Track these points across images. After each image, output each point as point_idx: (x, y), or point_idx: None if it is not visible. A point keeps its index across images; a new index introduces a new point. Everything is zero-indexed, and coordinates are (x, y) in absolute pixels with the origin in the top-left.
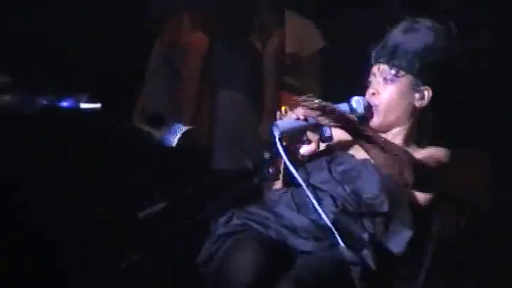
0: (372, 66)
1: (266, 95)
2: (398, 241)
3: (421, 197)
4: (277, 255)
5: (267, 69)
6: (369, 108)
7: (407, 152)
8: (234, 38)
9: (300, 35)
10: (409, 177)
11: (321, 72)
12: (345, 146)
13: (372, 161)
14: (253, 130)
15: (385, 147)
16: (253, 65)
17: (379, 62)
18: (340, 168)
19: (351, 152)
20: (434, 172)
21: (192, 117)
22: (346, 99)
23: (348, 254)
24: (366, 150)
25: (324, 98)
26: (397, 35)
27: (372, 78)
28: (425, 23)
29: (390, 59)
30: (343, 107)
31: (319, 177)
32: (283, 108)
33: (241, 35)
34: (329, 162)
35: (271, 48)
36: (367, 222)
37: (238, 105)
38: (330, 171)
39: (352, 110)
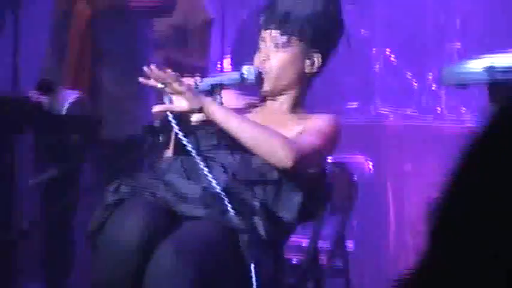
0: (261, 31)
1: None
2: (290, 208)
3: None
4: (165, 221)
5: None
6: (260, 76)
7: (277, 132)
8: (116, 9)
9: (184, 7)
10: (286, 159)
11: (207, 45)
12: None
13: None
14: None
15: (249, 126)
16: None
17: (270, 28)
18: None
19: None
20: (318, 148)
21: (71, 85)
22: (236, 67)
23: (235, 221)
24: (231, 134)
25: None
26: (286, 1)
27: (261, 44)
28: None
29: (282, 25)
30: (233, 75)
31: (209, 145)
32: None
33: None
34: (219, 130)
35: None
36: (258, 190)
37: (123, 76)
38: (219, 139)
39: (243, 78)
